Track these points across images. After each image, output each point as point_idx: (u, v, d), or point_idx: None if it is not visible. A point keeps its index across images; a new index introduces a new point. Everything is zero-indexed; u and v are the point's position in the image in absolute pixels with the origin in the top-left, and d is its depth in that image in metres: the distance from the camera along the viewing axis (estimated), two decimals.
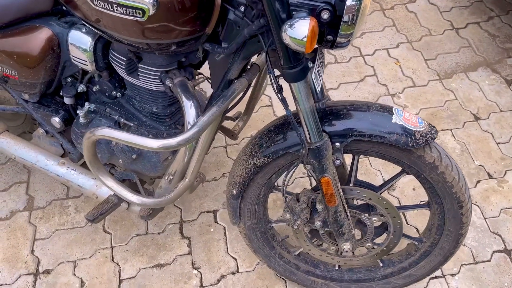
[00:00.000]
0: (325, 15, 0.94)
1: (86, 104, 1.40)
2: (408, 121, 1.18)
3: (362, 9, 0.98)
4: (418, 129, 1.17)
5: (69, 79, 1.45)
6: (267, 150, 1.26)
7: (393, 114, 1.19)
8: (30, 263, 1.69)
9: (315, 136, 1.13)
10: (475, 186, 1.87)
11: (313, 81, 1.05)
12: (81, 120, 1.40)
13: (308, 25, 0.87)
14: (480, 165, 1.94)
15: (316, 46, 1.05)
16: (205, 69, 1.29)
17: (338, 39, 0.99)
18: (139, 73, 1.26)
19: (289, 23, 0.88)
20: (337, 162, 1.20)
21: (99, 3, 1.03)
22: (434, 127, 1.20)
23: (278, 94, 1.07)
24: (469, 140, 2.03)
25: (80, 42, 1.28)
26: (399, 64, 2.35)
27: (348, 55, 2.40)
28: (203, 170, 1.95)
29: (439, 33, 2.49)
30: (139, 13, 1.00)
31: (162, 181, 1.38)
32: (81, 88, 1.43)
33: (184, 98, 1.20)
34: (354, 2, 0.94)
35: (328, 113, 1.20)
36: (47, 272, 1.68)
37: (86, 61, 1.30)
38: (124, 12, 1.01)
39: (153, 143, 1.03)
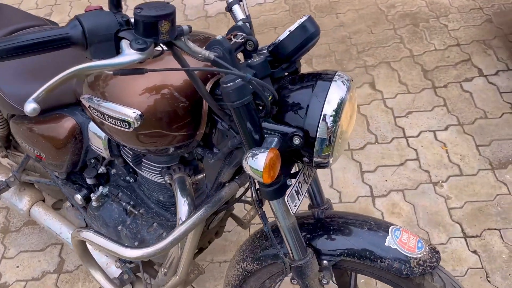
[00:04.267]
0: (296, 141, 0.92)
1: (100, 188, 1.48)
2: (404, 245, 1.07)
3: (340, 134, 0.94)
4: (415, 256, 1.05)
5: (92, 160, 1.56)
6: (256, 256, 1.21)
7: (388, 235, 1.09)
8: None
9: (298, 253, 1.07)
10: None
11: (288, 203, 1.00)
12: (94, 203, 1.48)
13: (265, 158, 0.84)
14: None
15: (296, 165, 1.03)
16: None
17: (315, 159, 0.96)
18: (143, 166, 1.32)
19: (251, 152, 0.87)
20: (324, 281, 1.12)
21: (95, 112, 1.10)
22: (437, 252, 1.08)
23: (258, 209, 1.04)
24: None
25: (97, 132, 1.38)
26: (446, 149, 2.18)
27: (390, 136, 2.29)
28: (223, 248, 1.94)
29: (497, 116, 2.29)
30: (125, 124, 1.05)
31: (159, 272, 1.39)
32: (102, 170, 1.52)
33: (179, 195, 1.22)
34: (328, 127, 0.90)
35: (319, 226, 1.14)
36: None
37: (101, 149, 1.39)
38: (113, 123, 1.07)
39: (129, 253, 1.05)
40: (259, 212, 1.06)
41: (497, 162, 2.10)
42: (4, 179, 1.74)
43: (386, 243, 1.07)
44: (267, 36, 2.99)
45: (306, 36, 0.97)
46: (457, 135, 2.24)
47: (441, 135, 2.25)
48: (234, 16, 1.15)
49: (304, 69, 2.70)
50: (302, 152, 0.95)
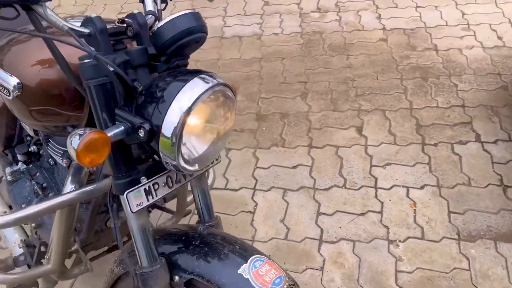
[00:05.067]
0: (141, 133, 0.87)
1: (19, 164, 1.49)
2: (258, 278, 0.96)
3: (193, 136, 0.89)
4: None
5: (29, 138, 1.58)
6: (121, 257, 1.15)
7: (246, 263, 0.99)
8: None
9: (145, 259, 1.00)
10: None
11: (127, 199, 0.94)
12: (8, 177, 1.49)
13: (84, 137, 0.80)
14: None
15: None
16: None
17: (163, 158, 0.90)
18: (48, 147, 1.31)
19: (76, 131, 0.83)
20: None
21: None
22: None
23: (108, 201, 0.99)
24: None
25: None
26: (415, 208, 2.01)
27: (360, 183, 2.15)
28: None
29: (481, 185, 2.09)
30: (6, 92, 1.05)
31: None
32: (33, 148, 1.53)
33: (69, 180, 1.20)
34: (173, 125, 0.85)
35: (189, 240, 1.06)
36: None
37: (26, 126, 1.40)
38: (1, 89, 1.07)
39: None
40: (110, 205, 1.01)
41: (466, 233, 1.90)
42: None
43: (239, 271, 0.97)
44: (272, 64, 2.98)
45: (186, 28, 0.93)
46: (431, 197, 2.06)
47: (414, 193, 2.08)
48: (144, 7, 1.14)
49: (299, 103, 2.64)
50: (150, 148, 0.90)
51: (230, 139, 2.44)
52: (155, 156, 0.92)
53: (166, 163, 0.91)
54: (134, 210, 0.93)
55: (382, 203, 2.05)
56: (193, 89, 0.86)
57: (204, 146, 0.94)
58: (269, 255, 1.85)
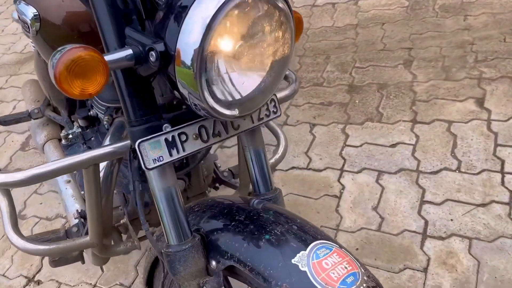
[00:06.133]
0: (152, 57, 0.62)
1: (74, 128, 1.37)
2: (321, 272, 0.66)
3: (221, 61, 0.62)
4: None
5: (89, 101, 1.46)
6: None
7: (305, 250, 0.69)
8: None
9: (172, 235, 0.75)
10: None
11: (142, 150, 0.69)
12: (63, 141, 1.37)
13: (61, 55, 0.57)
14: None
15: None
16: None
17: (186, 97, 0.65)
18: (93, 104, 1.16)
19: (60, 48, 0.60)
20: None
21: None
22: None
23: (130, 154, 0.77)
24: None
25: None
26: None
27: (481, 166, 1.67)
28: None
29: None
30: (26, 27, 0.89)
31: None
32: (92, 112, 1.41)
33: (107, 138, 1.03)
34: (189, 43, 0.59)
35: (240, 216, 0.79)
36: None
37: None
38: (22, 26, 0.92)
39: None
40: (129, 163, 0.78)
41: None
42: (29, 110, 1.77)
43: (294, 260, 0.68)
44: (370, 31, 2.57)
45: None
46: None
47: None
48: None
49: (401, 72, 2.23)
50: (170, 82, 0.66)
51: (314, 113, 2.13)
52: (176, 93, 0.67)
53: (195, 105, 0.66)
54: (149, 166, 0.69)
55: (511, 192, 1.57)
56: None
57: (243, 78, 0.66)
58: (357, 248, 1.51)
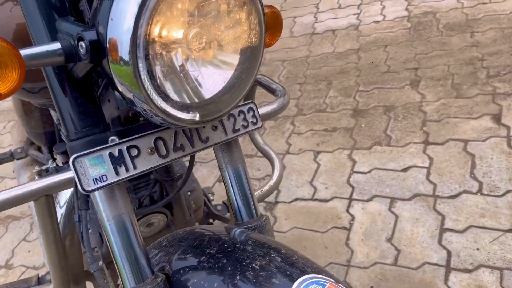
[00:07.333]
0: (81, 49, 0.50)
1: (49, 163, 1.25)
2: None
3: (178, 47, 0.50)
4: None
5: None
6: None
7: (292, 286, 0.53)
8: None
9: (128, 277, 0.61)
10: None
11: (79, 167, 0.55)
12: (36, 177, 1.25)
13: None
14: None
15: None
16: None
17: (124, 94, 0.52)
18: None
19: None
20: None
21: None
22: None
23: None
24: None
25: None
26: None
27: (505, 187, 1.50)
28: None
29: None
30: None
31: None
32: None
33: None
34: (124, 28, 0.47)
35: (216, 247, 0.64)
36: None
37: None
38: None
39: None
40: (74, 189, 0.65)
41: None
42: (12, 149, 1.67)
43: None
44: (373, 54, 2.47)
45: None
46: None
47: None
48: None
49: (408, 92, 2.10)
50: (106, 78, 0.53)
51: (318, 139, 1.99)
52: (118, 95, 0.54)
53: (144, 110, 0.53)
54: (88, 188, 0.55)
55: None
56: None
57: (201, 72, 0.53)
58: (372, 286, 1.33)
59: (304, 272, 0.56)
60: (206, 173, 1.96)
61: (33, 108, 1.31)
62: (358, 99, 2.17)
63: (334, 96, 2.23)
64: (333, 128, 2.04)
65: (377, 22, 2.75)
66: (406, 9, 2.78)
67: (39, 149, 1.65)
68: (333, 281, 0.56)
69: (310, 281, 0.54)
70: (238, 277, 0.57)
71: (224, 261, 0.60)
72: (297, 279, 0.55)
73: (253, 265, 0.58)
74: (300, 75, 2.50)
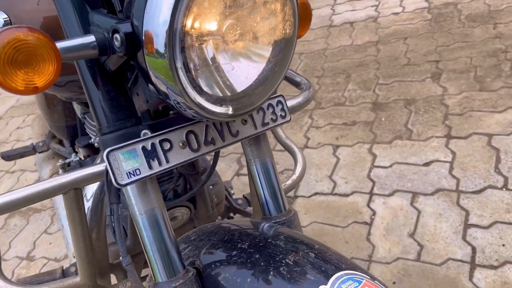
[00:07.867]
0: (116, 42, 0.50)
1: (72, 156, 1.26)
2: None
3: (217, 43, 0.49)
4: None
5: None
6: None
7: (326, 284, 0.53)
8: None
9: (159, 271, 0.60)
10: None
11: (113, 161, 0.55)
12: (60, 171, 1.26)
13: None
14: None
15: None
16: None
17: (163, 91, 0.52)
18: (85, 126, 1.05)
19: None
20: None
21: None
22: None
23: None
24: None
25: None
26: None
27: None
28: None
29: None
30: None
31: None
32: (93, 140, 1.31)
33: (100, 157, 0.91)
34: (159, 21, 0.46)
35: (245, 243, 0.64)
36: None
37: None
38: None
39: None
40: (106, 181, 0.64)
41: None
42: (34, 143, 1.69)
43: None
44: (392, 46, 2.43)
45: None
46: None
47: None
48: None
49: (429, 85, 2.07)
50: (140, 71, 0.53)
51: (337, 133, 1.97)
52: (152, 88, 0.53)
53: (177, 103, 0.52)
54: (122, 181, 0.55)
55: None
56: None
57: (235, 65, 0.52)
58: (394, 282, 1.32)
59: (339, 269, 0.55)
60: (224, 167, 1.96)
61: (56, 101, 1.32)
62: (377, 92, 2.14)
63: (353, 90, 2.21)
64: (353, 122, 2.01)
65: (396, 13, 2.70)
66: (426, 0, 2.72)
67: (60, 142, 1.67)
68: (369, 277, 0.55)
69: (346, 277, 0.53)
70: (271, 272, 0.56)
71: (257, 256, 0.59)
72: (332, 275, 0.54)
73: (287, 260, 0.57)
74: (318, 68, 2.48)
